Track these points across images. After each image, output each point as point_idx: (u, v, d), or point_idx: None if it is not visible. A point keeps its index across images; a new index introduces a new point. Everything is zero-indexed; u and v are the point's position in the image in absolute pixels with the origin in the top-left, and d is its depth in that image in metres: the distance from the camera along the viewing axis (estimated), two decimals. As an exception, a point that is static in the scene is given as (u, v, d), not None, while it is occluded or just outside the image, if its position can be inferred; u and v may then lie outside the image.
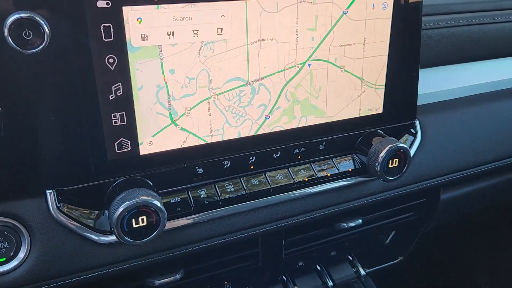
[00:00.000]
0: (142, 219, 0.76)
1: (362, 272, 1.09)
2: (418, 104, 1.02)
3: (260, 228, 0.90)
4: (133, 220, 0.75)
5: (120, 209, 0.73)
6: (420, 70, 0.99)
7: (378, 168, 0.92)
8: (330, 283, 1.05)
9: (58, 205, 0.75)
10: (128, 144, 0.78)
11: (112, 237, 0.78)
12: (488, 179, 1.25)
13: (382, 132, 0.98)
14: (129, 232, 0.75)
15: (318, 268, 1.08)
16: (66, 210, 0.76)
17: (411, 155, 1.01)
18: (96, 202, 0.78)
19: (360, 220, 1.03)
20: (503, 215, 1.68)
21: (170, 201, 0.83)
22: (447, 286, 1.85)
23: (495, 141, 1.13)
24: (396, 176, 0.96)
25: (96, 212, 0.79)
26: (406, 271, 1.43)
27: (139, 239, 0.76)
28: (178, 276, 0.86)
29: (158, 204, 0.75)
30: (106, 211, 0.78)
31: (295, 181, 0.92)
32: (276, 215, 0.91)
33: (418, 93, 1.00)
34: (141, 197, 0.73)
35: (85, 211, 0.78)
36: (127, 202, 0.73)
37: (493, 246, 1.80)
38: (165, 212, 0.76)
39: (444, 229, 1.34)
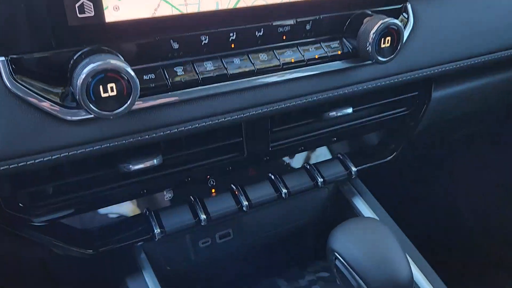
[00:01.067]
0: (111, 88, 0.67)
1: (353, 169, 1.04)
2: (411, -16, 0.94)
3: (244, 113, 0.83)
4: (101, 87, 0.67)
5: (85, 73, 0.64)
6: None
7: (370, 49, 0.85)
8: (320, 180, 1.00)
9: (14, 76, 0.66)
10: (90, 8, 0.68)
11: (80, 113, 0.70)
12: (481, 78, 1.20)
13: (372, 14, 0.90)
14: (97, 101, 0.67)
15: (307, 166, 1.02)
16: (23, 83, 0.67)
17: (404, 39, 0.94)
18: (59, 76, 0.70)
19: (350, 109, 0.96)
20: (486, 132, 1.67)
21: (143, 77, 0.75)
22: (426, 195, 1.88)
23: (494, 31, 1.07)
24: (389, 57, 0.90)
25: (60, 88, 0.70)
26: (392, 175, 1.41)
27: (109, 110, 0.68)
28: (155, 161, 0.79)
29: (129, 69, 0.67)
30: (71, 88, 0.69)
31: (281, 62, 0.85)
32: (261, 99, 0.84)
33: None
34: (109, 60, 0.65)
35: (47, 86, 0.70)
36: (93, 65, 0.64)
37: (474, 165, 1.82)
38: (137, 80, 0.68)
39: (431, 136, 1.31)
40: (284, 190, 0.96)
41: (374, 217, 1.06)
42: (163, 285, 0.91)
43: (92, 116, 0.71)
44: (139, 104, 0.74)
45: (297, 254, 1.18)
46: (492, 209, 1.89)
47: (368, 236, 0.78)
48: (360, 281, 0.74)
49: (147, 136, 0.77)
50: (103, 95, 0.67)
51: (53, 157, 0.70)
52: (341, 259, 0.76)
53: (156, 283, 0.89)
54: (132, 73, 0.68)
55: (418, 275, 0.93)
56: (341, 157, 1.06)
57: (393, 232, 0.78)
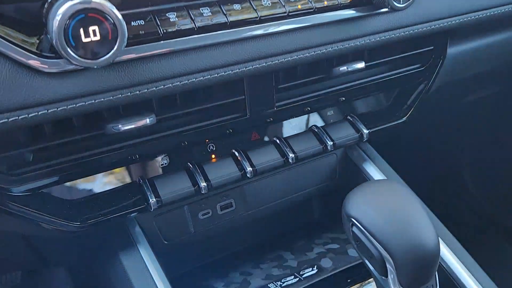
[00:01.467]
0: (94, 31, 0.58)
1: (365, 131, 0.95)
2: None
3: (246, 66, 0.74)
4: (82, 30, 0.57)
5: (61, 14, 0.55)
6: None
7: (385, -8, 0.76)
8: (330, 143, 0.92)
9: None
10: None
11: (59, 64, 0.60)
12: (500, 32, 1.12)
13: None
14: (77, 47, 0.57)
15: (315, 129, 0.94)
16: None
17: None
18: (35, 23, 0.60)
19: (363, 63, 0.87)
20: (500, 97, 1.61)
21: (131, 23, 0.65)
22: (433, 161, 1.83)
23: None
24: (406, 3, 0.81)
25: (37, 37, 0.61)
26: (405, 137, 1.33)
27: (92, 57, 0.59)
28: (148, 120, 0.70)
29: (114, 9, 0.58)
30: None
31: (287, 9, 0.76)
32: (265, 50, 0.75)
33: None
34: (89, -2, 0.55)
35: (21, 35, 0.60)
36: (70, 3, 0.55)
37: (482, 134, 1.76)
38: (123, 21, 0.59)
39: (444, 98, 1.23)
40: (291, 155, 0.88)
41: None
42: (161, 261, 0.84)
43: (73, 67, 0.62)
44: (127, 55, 0.65)
45: (304, 226, 1.11)
46: (495, 180, 1.86)
47: (387, 199, 0.69)
48: (381, 249, 0.66)
49: (137, 92, 0.67)
50: (85, 40, 0.58)
51: (30, 116, 0.61)
52: (359, 225, 0.68)
53: (153, 259, 0.81)
54: (118, 13, 0.58)
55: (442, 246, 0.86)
56: (351, 119, 0.97)
57: (414, 194, 0.70)
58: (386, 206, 0.68)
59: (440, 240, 0.87)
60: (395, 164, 1.06)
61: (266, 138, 0.91)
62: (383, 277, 0.70)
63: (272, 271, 0.96)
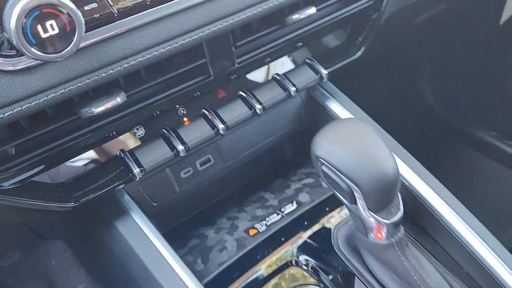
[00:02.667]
0: (52, 25, 0.60)
1: (324, 71, 1.00)
2: None
3: (203, 30, 0.76)
4: (39, 27, 0.59)
5: (16, 14, 0.56)
6: None
7: None
8: (293, 88, 0.97)
9: None
10: None
11: (22, 61, 0.62)
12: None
13: None
14: (39, 44, 0.59)
15: (277, 77, 0.98)
16: None
17: None
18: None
19: (314, 9, 0.91)
20: (449, 14, 1.66)
21: (84, 8, 0.66)
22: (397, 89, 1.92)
23: None
24: None
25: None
26: (366, 70, 1.40)
27: (55, 51, 0.61)
28: (119, 99, 0.73)
29: (66, 0, 0.59)
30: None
31: (233, -31, 0.77)
32: (218, 12, 0.77)
33: None
34: (41, -6, 0.56)
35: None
36: (23, 2, 0.56)
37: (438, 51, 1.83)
38: (78, 11, 0.60)
39: (397, 25, 1.27)
40: (258, 106, 0.93)
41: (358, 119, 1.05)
42: (153, 221, 0.91)
43: (37, 62, 0.64)
44: (88, 41, 0.67)
45: (280, 167, 1.19)
46: (456, 94, 1.95)
47: (350, 136, 0.76)
48: (349, 182, 0.75)
49: (104, 74, 0.70)
50: (44, 35, 0.60)
51: (6, 115, 0.63)
52: (328, 164, 0.75)
53: (146, 221, 0.88)
54: (71, 5, 0.60)
55: (403, 168, 0.95)
56: (310, 62, 1.02)
57: (372, 127, 0.78)
58: (350, 144, 0.75)
59: (404, 165, 0.97)
60: (359, 98, 1.13)
61: (233, 94, 0.95)
62: (353, 205, 0.79)
63: (256, 212, 1.05)
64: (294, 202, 1.05)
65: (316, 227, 0.97)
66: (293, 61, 1.03)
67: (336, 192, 0.80)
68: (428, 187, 0.91)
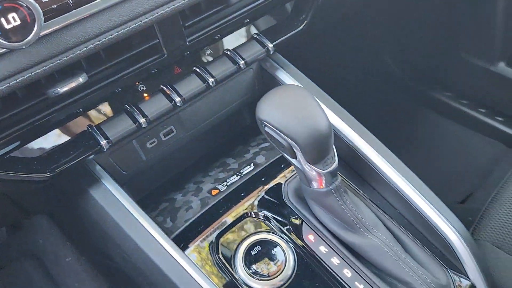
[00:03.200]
0: (13, 18, 0.69)
1: (269, 45, 1.11)
2: None
3: (152, 14, 0.86)
4: (2, 19, 0.68)
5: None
6: None
7: None
8: (242, 62, 1.07)
9: None
10: None
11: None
12: None
13: None
14: (3, 34, 0.69)
15: (228, 52, 1.09)
16: None
17: None
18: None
19: None
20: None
21: (42, 0, 0.75)
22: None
23: None
24: None
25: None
26: (316, 41, 1.50)
27: (19, 40, 0.70)
28: (81, 79, 0.83)
29: (23, -5, 0.68)
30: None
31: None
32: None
33: None
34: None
35: None
36: (-14, -1, 0.65)
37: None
38: (36, 4, 0.70)
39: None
40: (211, 79, 1.03)
41: (298, 85, 1.17)
42: (125, 189, 1.02)
43: (4, 50, 0.73)
44: (48, 29, 0.76)
45: (240, 134, 1.30)
46: (413, 55, 2.06)
47: (287, 100, 0.88)
48: (288, 139, 0.86)
49: (65, 58, 0.80)
50: (7, 26, 0.69)
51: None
52: (269, 125, 0.87)
53: (117, 187, 0.98)
54: (30, -2, 0.69)
55: (340, 124, 1.08)
56: (257, 37, 1.12)
57: (308, 91, 0.89)
58: (287, 106, 0.87)
59: (343, 122, 1.09)
60: (309, 68, 1.24)
61: (188, 70, 1.06)
62: (295, 159, 0.91)
63: (219, 175, 1.17)
64: (252, 164, 1.17)
65: (271, 184, 1.10)
66: (243, 36, 1.13)
67: (280, 150, 0.92)
68: (364, 141, 1.04)
